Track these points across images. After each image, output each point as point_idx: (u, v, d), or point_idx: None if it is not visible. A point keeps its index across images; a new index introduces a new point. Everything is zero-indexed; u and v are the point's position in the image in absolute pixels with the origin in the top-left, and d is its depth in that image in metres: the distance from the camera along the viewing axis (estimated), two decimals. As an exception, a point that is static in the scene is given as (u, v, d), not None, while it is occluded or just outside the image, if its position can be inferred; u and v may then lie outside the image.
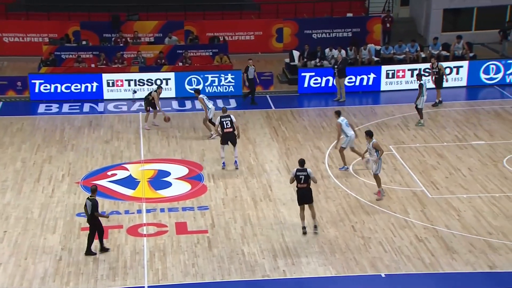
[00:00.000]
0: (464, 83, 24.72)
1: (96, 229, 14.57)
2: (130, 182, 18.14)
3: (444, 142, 20.23)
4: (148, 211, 16.72)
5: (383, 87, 24.97)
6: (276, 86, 25.76)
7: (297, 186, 15.28)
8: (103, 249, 14.78)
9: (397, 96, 24.41)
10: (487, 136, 20.58)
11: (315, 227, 15.47)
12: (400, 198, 17.04)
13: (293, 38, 29.33)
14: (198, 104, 24.13)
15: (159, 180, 18.29)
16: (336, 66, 23.76)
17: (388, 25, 29.20)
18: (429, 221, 16.01)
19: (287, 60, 27.11)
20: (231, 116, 18.76)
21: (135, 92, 24.44)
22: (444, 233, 15.46)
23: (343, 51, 25.72)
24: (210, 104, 20.85)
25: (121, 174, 18.61)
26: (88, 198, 14.57)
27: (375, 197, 17.07)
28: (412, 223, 15.91)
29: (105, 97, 24.48)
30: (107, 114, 23.28)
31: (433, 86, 23.11)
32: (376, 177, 16.84)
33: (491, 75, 24.88)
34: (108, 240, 15.29)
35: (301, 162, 15.35)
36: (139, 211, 16.61)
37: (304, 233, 15.37)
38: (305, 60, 26.21)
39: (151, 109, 21.60)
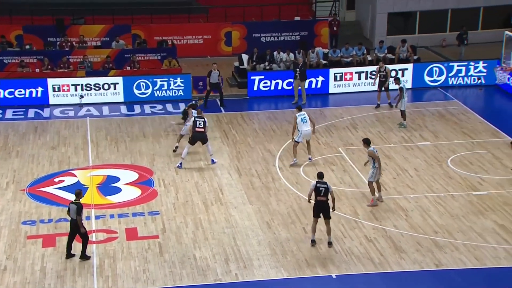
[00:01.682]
0: (409, 85, 25.25)
1: (77, 233, 14.35)
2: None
3: (391, 144, 20.61)
4: (97, 217, 16.43)
5: (332, 89, 25.28)
6: (225, 90, 25.70)
7: (316, 199, 14.86)
8: (84, 257, 14.51)
9: (345, 98, 24.75)
10: (432, 137, 21.07)
11: (330, 243, 15.05)
12: (349, 199, 17.26)
13: (242, 41, 29.38)
14: (147, 109, 23.91)
15: (108, 186, 18.00)
16: (298, 69, 23.97)
17: (335, 28, 29.59)
18: (378, 221, 16.27)
19: (237, 63, 27.13)
20: (205, 118, 18.80)
21: (82, 97, 24.01)
22: (393, 233, 15.74)
23: (295, 54, 25.97)
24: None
25: (68, 181, 18.23)
26: (72, 202, 14.32)
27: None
28: (361, 223, 16.13)
29: (50, 103, 23.95)
30: (53, 120, 22.77)
31: (377, 88, 23.56)
32: (370, 184, 16.68)
33: (435, 77, 25.50)
34: (56, 248, 14.95)
35: (320, 175, 15.02)
36: (88, 218, 16.30)
37: (313, 245, 15.02)
38: (254, 63, 26.29)
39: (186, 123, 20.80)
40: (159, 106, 24.13)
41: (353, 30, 31.63)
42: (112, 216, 16.51)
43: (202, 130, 18.69)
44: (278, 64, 26.24)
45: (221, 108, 24.02)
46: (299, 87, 24.03)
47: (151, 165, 19.25)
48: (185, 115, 20.90)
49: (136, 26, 28.70)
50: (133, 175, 18.67)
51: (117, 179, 18.40)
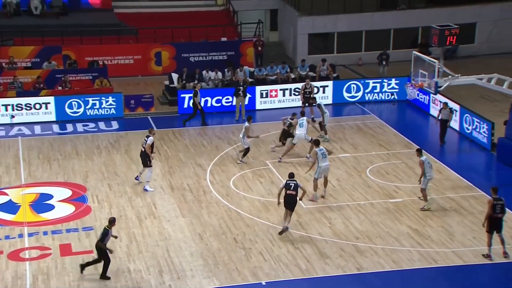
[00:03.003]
0: (330, 101, 25.87)
1: (103, 257, 14.09)
2: (11, 207, 17.16)
3: (315, 156, 20.99)
4: (30, 235, 15.88)
5: (258, 106, 25.55)
6: (157, 108, 25.54)
7: (285, 194, 15.87)
8: (105, 277, 14.18)
9: (271, 114, 25.07)
10: (351, 149, 21.64)
11: (287, 228, 16.04)
12: (277, 210, 17.44)
13: (171, 61, 29.29)
14: (79, 127, 23.42)
15: (41, 204, 17.45)
16: (241, 87, 24.07)
17: (259, 48, 29.99)
18: (304, 229, 16.52)
19: (167, 82, 27.01)
20: (149, 139, 18.21)
21: (13, 117, 23.23)
22: (318, 240, 16.02)
23: (224, 73, 26.11)
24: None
25: (0, 199, 17.54)
26: (105, 228, 14.21)
27: (253, 210, 17.37)
28: (289, 232, 16.33)
29: (-19, 122, 23.06)
30: (-16, 139, 21.92)
31: (301, 104, 24.01)
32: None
33: (353, 93, 26.25)
34: (-11, 268, 14.34)
35: (291, 175, 16.18)
36: (21, 236, 15.73)
37: (280, 233, 15.97)
38: (183, 82, 26.25)
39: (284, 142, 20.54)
40: (92, 124, 23.67)
41: (276, 50, 32.14)
42: (45, 233, 16.00)
43: (142, 150, 18.20)
44: (207, 83, 26.32)
45: (153, 125, 23.75)
46: (240, 104, 24.14)
47: (84, 182, 18.81)
48: (286, 135, 20.46)
49: (67, 47, 28.09)
50: (67, 192, 18.18)
51: (50, 197, 17.87)
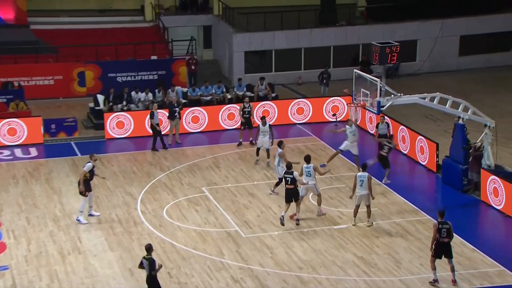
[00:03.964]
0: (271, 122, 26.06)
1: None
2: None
3: (255, 181, 21.12)
4: None
5: (187, 128, 25.48)
6: (81, 132, 25.12)
7: (285, 187, 17.65)
8: None
9: (207, 137, 25.06)
10: (293, 173, 21.84)
11: (297, 220, 17.93)
12: (215, 240, 17.37)
13: (96, 81, 28.93)
14: (18, 153, 22.72)
15: (-51, 242, 16.72)
16: (177, 108, 23.91)
17: (193, 67, 30.08)
18: (244, 260, 16.50)
19: (92, 104, 26.62)
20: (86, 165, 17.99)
21: None
22: (259, 272, 16.02)
23: (155, 93, 25.99)
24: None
25: None
26: (144, 258, 13.79)
27: (189, 241, 17.23)
28: (228, 264, 16.27)
29: None
30: None
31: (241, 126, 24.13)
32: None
33: (294, 114, 26.56)
34: None
35: (289, 166, 17.76)
36: None
37: (282, 224, 17.58)
38: (111, 104, 25.94)
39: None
40: (6, 152, 23.00)
41: (211, 69, 32.32)
42: (-46, 274, 15.32)
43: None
44: (136, 104, 26.09)
45: (77, 151, 23.37)
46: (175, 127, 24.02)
47: (-1, 216, 18.20)
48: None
49: (-22, 67, 27.36)
50: (-21, 228, 17.52)
51: (-41, 233, 17.15)
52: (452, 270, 15.39)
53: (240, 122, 24.25)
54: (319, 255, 16.76)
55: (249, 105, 24.09)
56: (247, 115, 23.95)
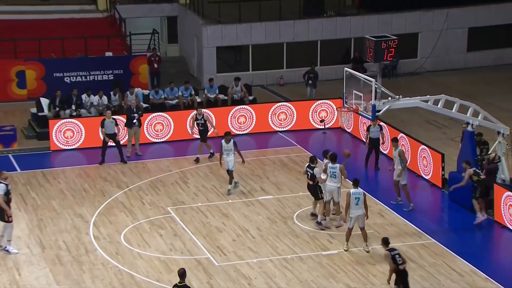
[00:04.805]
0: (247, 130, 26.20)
1: None
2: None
3: (229, 200, 21.16)
4: None
5: (148, 138, 25.51)
6: (21, 143, 25.01)
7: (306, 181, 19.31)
8: None
9: (172, 148, 25.08)
10: (274, 189, 21.96)
11: (317, 222, 19.27)
12: (182, 270, 17.36)
13: (39, 82, 28.84)
14: None
15: None
16: (137, 114, 23.92)
17: (155, 65, 30.12)
18: (217, 293, 16.52)
19: (34, 110, 26.53)
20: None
21: None
22: (235, 306, 16.06)
23: (110, 96, 26.00)
24: None
25: None
26: (175, 285, 14.10)
27: (151, 271, 17.16)
28: (198, 298, 16.27)
29: None
30: None
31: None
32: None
33: (275, 120, 26.67)
34: None
35: (312, 160, 19.15)
36: None
37: (313, 218, 19.39)
38: (57, 109, 25.86)
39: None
40: None
41: (177, 67, 32.41)
42: None
43: None
44: (88, 110, 26.04)
45: (16, 166, 23.24)
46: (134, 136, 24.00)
47: None
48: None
49: None
50: None
51: None
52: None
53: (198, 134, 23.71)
54: (306, 286, 16.82)
55: (202, 117, 23.56)
56: (202, 128, 23.50)
